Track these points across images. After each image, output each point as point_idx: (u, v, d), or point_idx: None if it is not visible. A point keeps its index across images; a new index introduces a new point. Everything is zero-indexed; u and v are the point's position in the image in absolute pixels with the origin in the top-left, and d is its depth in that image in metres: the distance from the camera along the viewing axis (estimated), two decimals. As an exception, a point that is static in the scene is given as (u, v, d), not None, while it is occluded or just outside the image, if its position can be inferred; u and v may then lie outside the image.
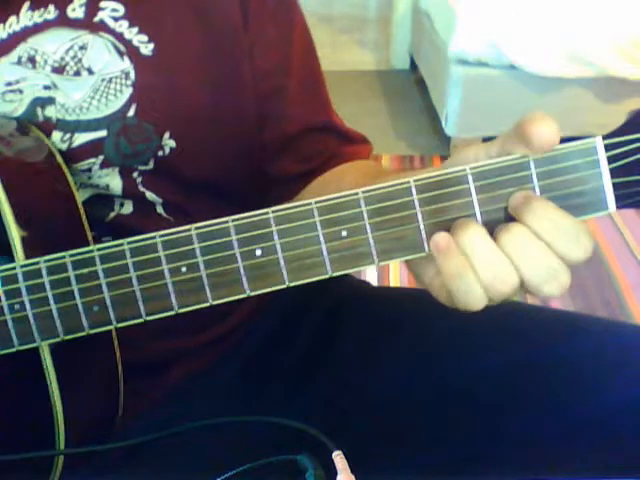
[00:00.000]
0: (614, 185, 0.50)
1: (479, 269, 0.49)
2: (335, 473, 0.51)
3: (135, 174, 0.71)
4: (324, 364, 0.80)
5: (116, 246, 0.54)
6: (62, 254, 0.54)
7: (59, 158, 0.65)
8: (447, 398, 0.74)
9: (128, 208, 0.72)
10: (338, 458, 0.52)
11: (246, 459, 0.54)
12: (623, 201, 0.50)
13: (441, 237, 0.50)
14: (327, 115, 0.83)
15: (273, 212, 0.52)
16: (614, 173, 0.50)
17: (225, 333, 0.81)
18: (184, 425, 0.62)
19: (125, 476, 0.72)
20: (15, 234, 0.58)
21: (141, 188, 0.72)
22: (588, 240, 0.49)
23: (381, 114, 3.26)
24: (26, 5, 0.67)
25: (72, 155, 0.68)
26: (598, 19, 2.57)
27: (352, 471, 0.51)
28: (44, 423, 0.61)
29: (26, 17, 0.67)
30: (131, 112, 0.69)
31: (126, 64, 0.69)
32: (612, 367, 0.72)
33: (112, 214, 0.72)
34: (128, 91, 0.69)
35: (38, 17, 0.67)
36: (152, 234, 0.53)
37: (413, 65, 3.68)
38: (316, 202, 0.51)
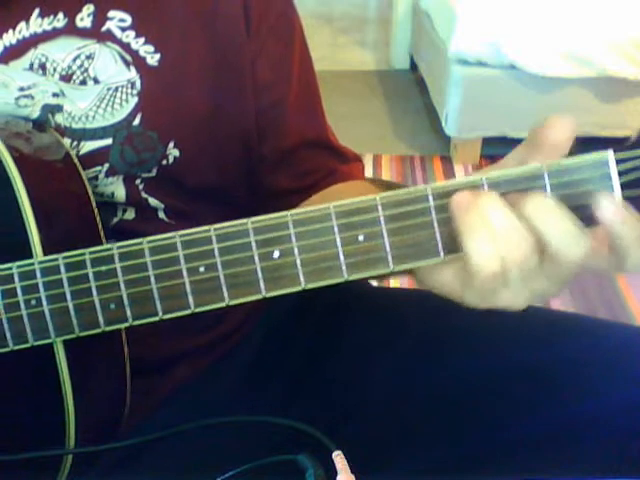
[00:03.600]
0: (624, 198, 0.51)
1: (495, 228, 0.49)
2: (335, 473, 0.51)
3: (138, 181, 0.71)
4: (325, 364, 0.81)
5: (135, 244, 0.54)
6: (82, 251, 0.55)
7: (75, 158, 0.66)
8: (448, 398, 0.74)
9: (131, 214, 0.72)
10: (338, 458, 0.52)
11: (246, 459, 0.54)
12: None
13: (462, 195, 0.50)
14: (323, 131, 0.83)
15: (291, 215, 0.52)
16: (624, 186, 0.51)
17: (230, 331, 0.81)
18: (184, 425, 0.62)
19: (127, 475, 0.72)
20: (34, 231, 0.58)
21: (144, 194, 0.72)
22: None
23: (381, 114, 3.26)
24: (36, 12, 0.68)
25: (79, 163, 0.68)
26: (598, 19, 2.57)
27: (352, 471, 0.51)
28: (53, 420, 0.61)
29: (36, 24, 0.68)
30: (136, 121, 0.69)
31: (132, 74, 0.69)
32: (612, 368, 0.72)
33: (115, 219, 0.72)
34: (134, 100, 0.69)
35: (47, 25, 0.68)
36: (172, 234, 0.53)
37: (413, 65, 3.68)
38: (334, 206, 0.52)
